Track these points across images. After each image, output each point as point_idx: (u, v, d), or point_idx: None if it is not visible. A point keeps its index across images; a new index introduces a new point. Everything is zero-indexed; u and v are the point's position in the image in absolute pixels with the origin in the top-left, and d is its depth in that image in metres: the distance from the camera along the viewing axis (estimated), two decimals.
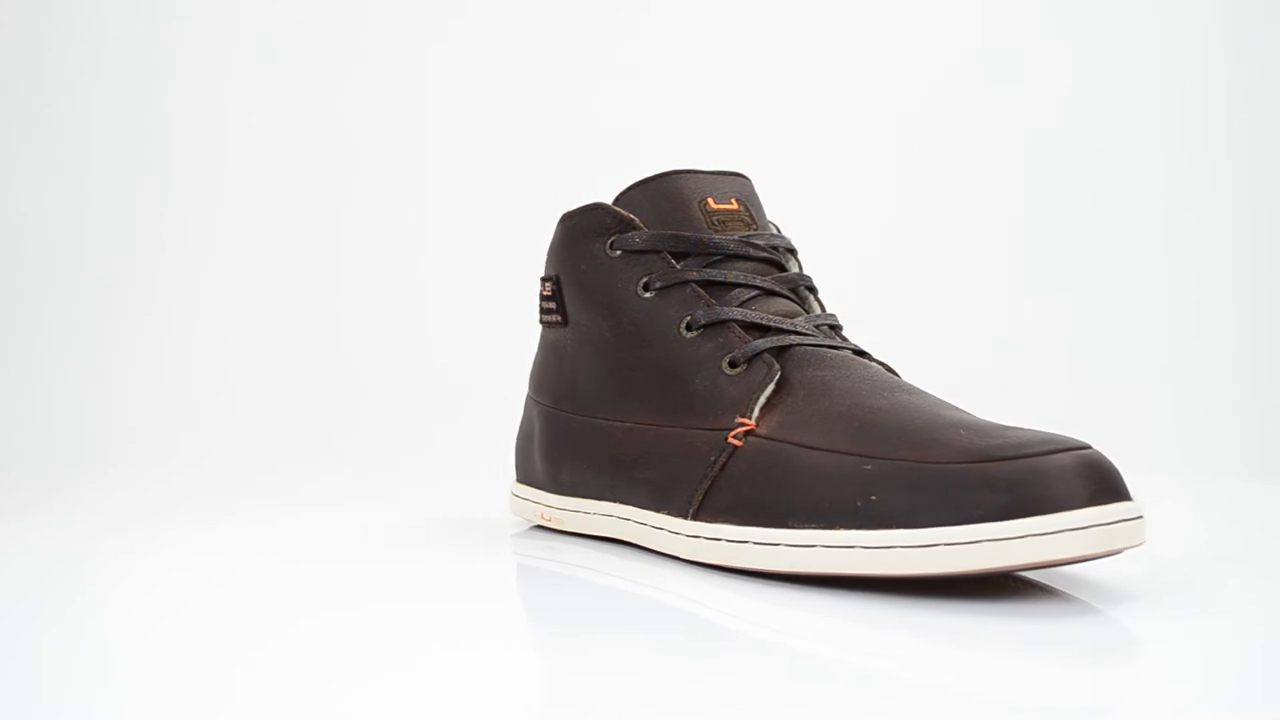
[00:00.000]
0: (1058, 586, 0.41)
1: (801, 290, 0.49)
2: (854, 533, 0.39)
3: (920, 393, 0.44)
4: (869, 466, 0.39)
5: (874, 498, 0.39)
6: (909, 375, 0.48)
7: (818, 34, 1.01)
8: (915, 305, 0.96)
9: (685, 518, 0.45)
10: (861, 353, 0.47)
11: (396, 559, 0.49)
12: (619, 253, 0.49)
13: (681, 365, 0.47)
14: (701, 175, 0.50)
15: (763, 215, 0.51)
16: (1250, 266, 0.99)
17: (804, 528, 0.41)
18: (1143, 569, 0.42)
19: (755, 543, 0.42)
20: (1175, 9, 1.02)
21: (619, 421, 0.49)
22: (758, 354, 0.45)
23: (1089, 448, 0.38)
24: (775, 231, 0.51)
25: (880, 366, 0.47)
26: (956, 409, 0.43)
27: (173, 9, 1.01)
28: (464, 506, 0.63)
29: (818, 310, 0.49)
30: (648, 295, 0.48)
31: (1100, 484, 0.37)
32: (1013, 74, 1.01)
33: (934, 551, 0.37)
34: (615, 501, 0.50)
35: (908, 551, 0.38)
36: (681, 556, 0.46)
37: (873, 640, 0.36)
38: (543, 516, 0.54)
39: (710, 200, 0.49)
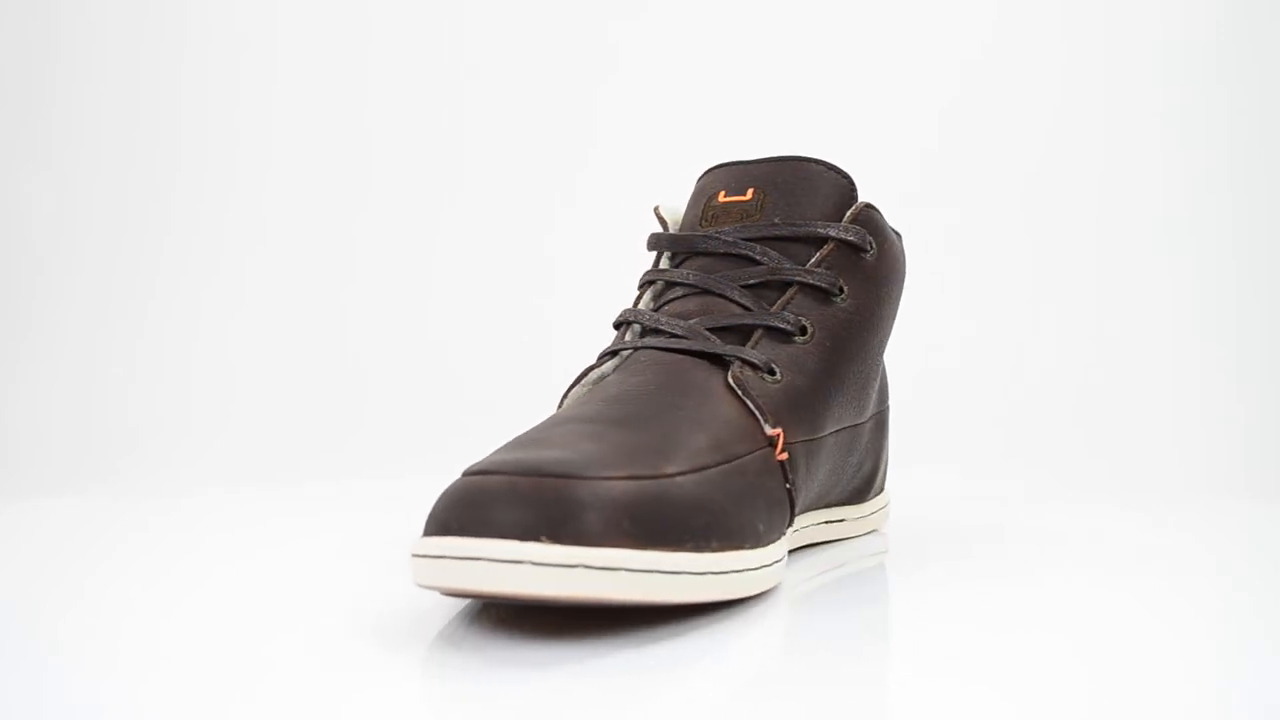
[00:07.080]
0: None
1: (770, 285, 0.43)
2: None
3: (656, 410, 0.38)
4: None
5: None
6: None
7: (819, 33, 1.01)
8: (915, 315, 0.96)
9: None
10: (746, 362, 0.41)
11: (396, 561, 0.49)
12: (654, 253, 0.48)
13: None
14: (734, 166, 0.46)
15: (791, 203, 0.44)
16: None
17: None
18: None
19: None
20: (1177, 9, 1.01)
21: None
22: (602, 356, 0.44)
23: (483, 474, 0.33)
24: (802, 222, 0.44)
25: (730, 381, 0.41)
26: (641, 427, 0.37)
27: (179, 6, 1.01)
28: None
29: (777, 309, 0.43)
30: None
31: (450, 515, 0.32)
32: (1013, 82, 1.01)
33: (439, 564, 0.33)
34: None
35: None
36: None
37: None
38: None
39: (722, 193, 0.46)
